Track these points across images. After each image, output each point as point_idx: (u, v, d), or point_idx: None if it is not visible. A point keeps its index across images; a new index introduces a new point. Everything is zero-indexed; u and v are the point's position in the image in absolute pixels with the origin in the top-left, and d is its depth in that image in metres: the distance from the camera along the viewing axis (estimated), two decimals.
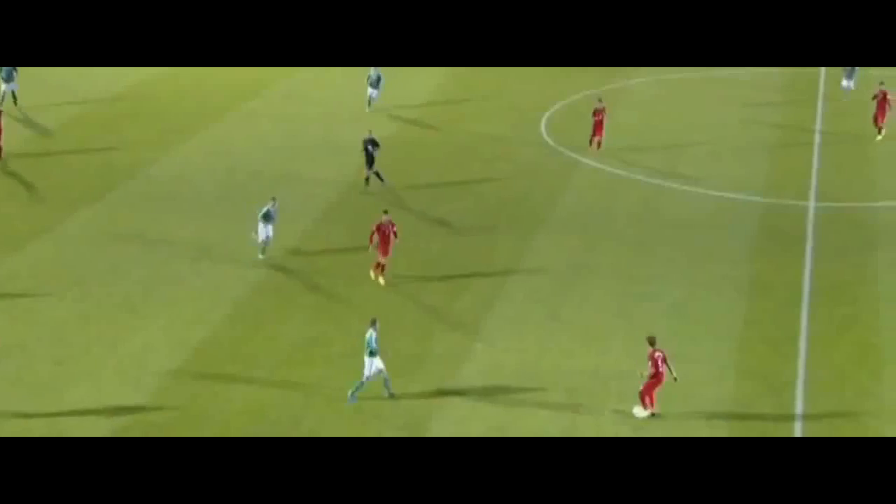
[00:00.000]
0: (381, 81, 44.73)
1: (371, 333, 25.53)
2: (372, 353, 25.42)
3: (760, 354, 27.82)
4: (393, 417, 25.09)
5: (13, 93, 45.74)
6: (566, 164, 41.13)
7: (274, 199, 33.22)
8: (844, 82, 43.83)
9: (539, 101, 48.34)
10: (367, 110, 44.88)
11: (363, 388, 25.59)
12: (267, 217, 32.79)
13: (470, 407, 25.54)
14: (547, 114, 46.58)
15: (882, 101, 41.58)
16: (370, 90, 45.08)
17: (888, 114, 41.48)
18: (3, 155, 40.38)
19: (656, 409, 24.92)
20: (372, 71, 44.50)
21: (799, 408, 25.37)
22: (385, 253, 31.19)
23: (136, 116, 46.61)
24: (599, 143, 41.32)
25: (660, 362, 24.92)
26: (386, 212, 31.83)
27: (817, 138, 43.32)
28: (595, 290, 31.20)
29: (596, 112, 41.40)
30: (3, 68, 45.38)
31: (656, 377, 24.95)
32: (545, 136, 44.13)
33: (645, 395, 24.95)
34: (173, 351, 27.98)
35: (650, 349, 25.10)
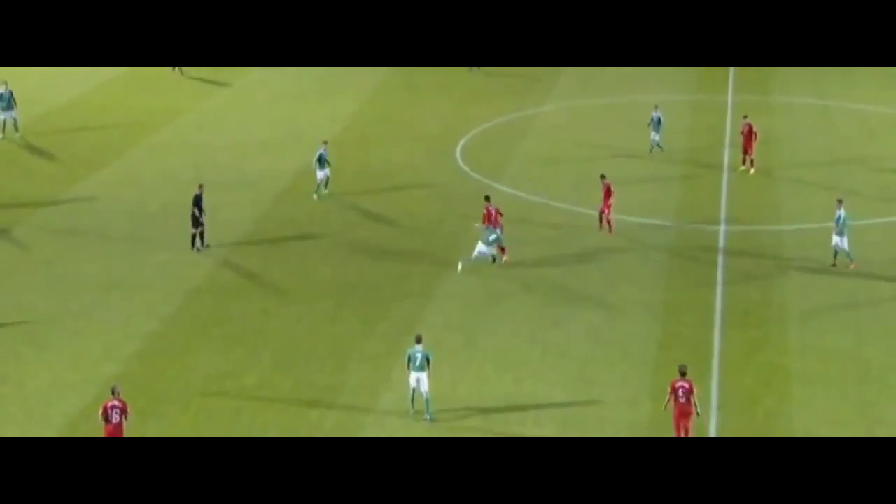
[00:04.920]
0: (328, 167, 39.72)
1: (416, 349, 25.85)
2: (417, 368, 25.82)
3: (674, 377, 28.05)
4: None
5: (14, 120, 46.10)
6: (481, 189, 41.25)
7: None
8: (653, 136, 44.50)
9: (453, 127, 48.47)
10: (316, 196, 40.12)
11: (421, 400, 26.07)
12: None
13: (387, 437, 25.33)
14: (462, 140, 46.71)
15: (749, 133, 42.58)
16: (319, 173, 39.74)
17: (755, 144, 42.47)
18: None
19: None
20: (322, 149, 40.60)
21: (712, 430, 25.62)
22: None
23: (41, 148, 45.69)
24: (609, 225, 36.87)
25: (680, 393, 24.35)
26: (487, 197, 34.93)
27: (725, 162, 44.08)
28: (510, 316, 31.25)
29: (605, 185, 37.07)
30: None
31: (676, 407, 24.33)
32: (460, 162, 44.25)
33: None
34: (82, 387, 27.34)
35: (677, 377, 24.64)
